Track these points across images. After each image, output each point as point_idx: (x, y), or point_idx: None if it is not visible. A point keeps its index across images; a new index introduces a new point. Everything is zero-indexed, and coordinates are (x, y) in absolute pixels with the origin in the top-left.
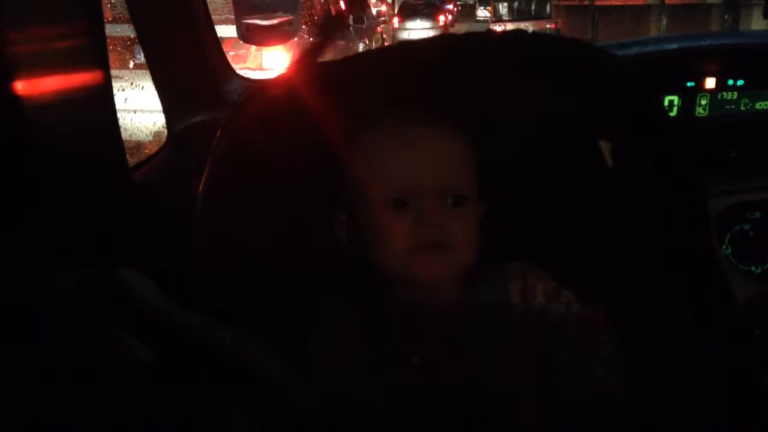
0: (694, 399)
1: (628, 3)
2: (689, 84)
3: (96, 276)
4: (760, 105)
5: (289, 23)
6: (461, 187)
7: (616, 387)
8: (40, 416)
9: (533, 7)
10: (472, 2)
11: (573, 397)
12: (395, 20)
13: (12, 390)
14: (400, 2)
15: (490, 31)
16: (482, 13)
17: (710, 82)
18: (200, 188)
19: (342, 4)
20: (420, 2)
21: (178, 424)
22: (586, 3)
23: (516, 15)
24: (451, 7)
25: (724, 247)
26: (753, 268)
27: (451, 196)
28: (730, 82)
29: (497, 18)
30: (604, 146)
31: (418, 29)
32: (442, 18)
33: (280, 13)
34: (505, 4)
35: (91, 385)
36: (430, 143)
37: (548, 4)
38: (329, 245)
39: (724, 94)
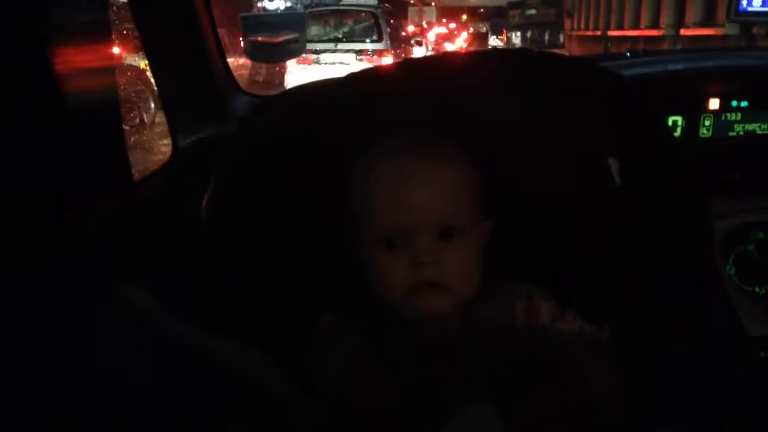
0: (691, 419)
1: (643, 33)
2: (693, 105)
3: (99, 289)
4: (763, 126)
5: (295, 41)
6: (456, 218)
7: (618, 405)
8: (48, 417)
9: (546, 37)
10: (484, 31)
11: (576, 414)
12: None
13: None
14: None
15: (496, 49)
16: (494, 42)
17: (714, 103)
18: (203, 204)
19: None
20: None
21: None
22: (599, 33)
23: (529, 43)
24: (465, 35)
25: (728, 267)
26: (757, 289)
27: (446, 229)
28: (734, 103)
29: (510, 46)
30: (612, 163)
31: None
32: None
33: (286, 31)
34: (519, 33)
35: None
36: (423, 177)
37: (561, 33)
38: (328, 264)
39: (728, 115)
